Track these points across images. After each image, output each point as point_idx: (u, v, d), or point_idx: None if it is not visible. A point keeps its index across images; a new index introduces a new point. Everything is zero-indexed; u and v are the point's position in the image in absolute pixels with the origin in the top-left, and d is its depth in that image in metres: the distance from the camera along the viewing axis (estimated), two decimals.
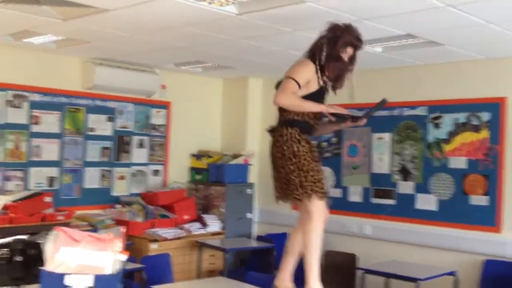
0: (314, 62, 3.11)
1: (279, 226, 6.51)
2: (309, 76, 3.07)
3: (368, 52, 4.88)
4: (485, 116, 5.08)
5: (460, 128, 5.23)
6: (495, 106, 5.01)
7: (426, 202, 5.40)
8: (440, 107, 5.34)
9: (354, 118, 3.10)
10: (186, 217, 6.11)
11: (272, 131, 3.23)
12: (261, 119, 6.95)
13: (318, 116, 3.17)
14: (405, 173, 5.58)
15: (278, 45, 4.75)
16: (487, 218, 4.99)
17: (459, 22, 3.71)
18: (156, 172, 6.49)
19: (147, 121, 6.39)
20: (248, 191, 6.58)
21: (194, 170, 6.74)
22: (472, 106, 5.16)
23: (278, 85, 3.17)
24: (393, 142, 5.69)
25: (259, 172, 6.88)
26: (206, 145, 6.94)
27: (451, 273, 4.70)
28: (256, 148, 6.89)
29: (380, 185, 5.74)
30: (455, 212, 5.19)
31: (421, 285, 4.26)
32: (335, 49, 3.08)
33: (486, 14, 3.56)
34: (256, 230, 6.73)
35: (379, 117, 5.77)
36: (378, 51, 4.88)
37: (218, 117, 7.10)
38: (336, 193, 6.09)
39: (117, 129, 6.13)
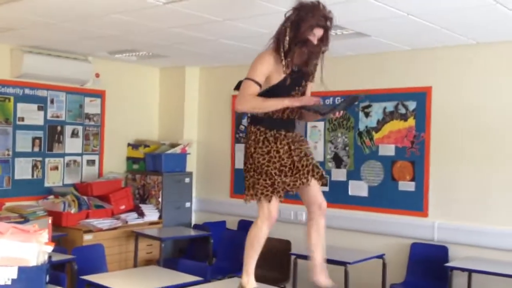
0: (278, 50, 2.83)
1: (218, 215, 6.58)
2: (268, 69, 2.85)
3: None
4: (412, 105, 5.30)
5: (389, 116, 5.43)
6: (421, 95, 5.23)
7: (358, 188, 5.59)
8: (370, 97, 5.51)
9: (321, 113, 2.90)
10: (122, 207, 6.05)
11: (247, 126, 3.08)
12: (199, 108, 6.96)
13: (286, 108, 2.90)
14: (337, 161, 5.75)
15: (210, 34, 4.76)
16: (415, 203, 5.22)
17: (383, 13, 3.84)
18: (91, 162, 6.37)
19: (80, 110, 6.26)
20: (186, 180, 6.58)
21: (131, 160, 6.68)
22: (400, 96, 5.36)
23: (238, 87, 2.97)
24: (326, 130, 5.84)
25: (198, 161, 6.90)
26: (143, 135, 6.88)
27: (380, 256, 4.90)
28: (194, 137, 6.90)
29: None
30: (384, 197, 5.41)
31: (350, 268, 4.42)
32: (299, 32, 2.78)
33: (406, 5, 3.70)
34: (194, 219, 6.76)
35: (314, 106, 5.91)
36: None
37: (155, 106, 7.04)
38: None
39: (49, 119, 5.98)
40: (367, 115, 5.58)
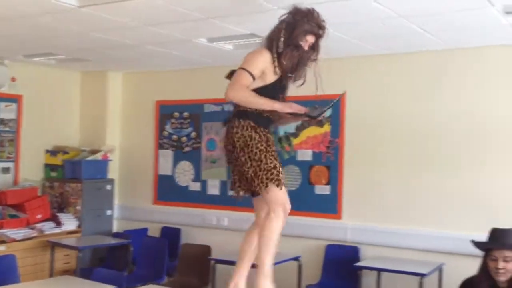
0: (272, 50, 2.79)
1: (141, 222, 6.53)
2: (264, 66, 2.77)
3: (221, 49, 5.08)
4: (328, 111, 5.48)
5: (306, 123, 5.60)
6: (336, 102, 5.43)
7: None
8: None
9: (310, 117, 2.91)
10: (38, 216, 5.88)
11: (226, 122, 2.93)
12: (122, 113, 6.89)
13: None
14: None
15: (131, 39, 4.76)
16: (330, 206, 5.43)
17: None
18: (5, 170, 6.15)
19: None
20: (108, 187, 6.48)
21: (49, 167, 6.50)
22: (317, 103, 5.54)
23: (230, 75, 2.86)
24: None
25: (120, 168, 6.82)
26: (63, 141, 6.71)
27: (296, 258, 5.05)
28: (116, 143, 6.81)
29: None
30: (302, 201, 5.57)
31: None
32: (293, 36, 2.77)
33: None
34: (115, 227, 6.66)
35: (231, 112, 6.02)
36: (230, 49, 5.08)
37: (77, 112, 6.90)
38: (196, 186, 6.24)
39: None
40: None
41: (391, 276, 4.78)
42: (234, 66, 6.66)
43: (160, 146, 6.58)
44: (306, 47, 2.83)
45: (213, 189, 6.14)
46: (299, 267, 5.07)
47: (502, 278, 2.85)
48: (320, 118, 2.92)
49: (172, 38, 4.65)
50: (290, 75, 2.89)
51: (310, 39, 2.83)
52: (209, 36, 4.61)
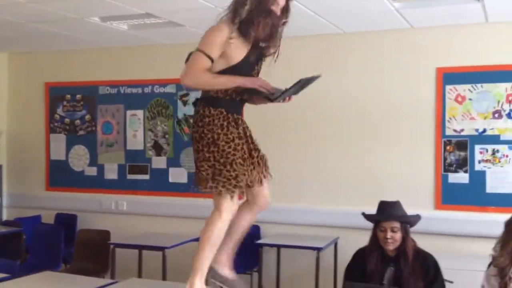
0: (236, 22, 2.45)
1: (33, 209, 6.21)
2: (223, 44, 2.44)
3: (114, 29, 4.92)
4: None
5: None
6: None
7: (178, 175, 5.70)
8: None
9: (269, 99, 2.52)
10: None
11: (196, 104, 2.65)
12: (8, 96, 6.46)
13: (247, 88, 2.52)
14: (158, 149, 5.79)
15: (14, 16, 4.46)
16: None
17: (193, 4, 3.98)
18: None
19: None
20: None
21: None
22: None
23: (188, 59, 2.58)
24: (145, 118, 5.85)
25: (8, 153, 6.42)
26: None
27: (197, 239, 5.04)
28: (3, 127, 6.39)
29: (135, 161, 5.87)
30: None
31: (167, 252, 4.53)
32: (263, 1, 2.45)
33: None
34: (5, 215, 6.28)
35: (132, 94, 5.89)
36: (124, 29, 4.94)
37: None
38: (92, 171, 6.04)
39: None
40: (185, 103, 5.70)
41: (290, 252, 4.98)
42: (130, 47, 6.56)
43: (51, 130, 6.26)
44: (278, 12, 2.50)
45: (111, 173, 5.98)
46: None
47: (390, 247, 3.08)
48: (279, 101, 2.53)
49: (61, 16, 4.42)
50: (263, 46, 2.55)
51: (281, 1, 2.51)
52: (101, 15, 4.44)
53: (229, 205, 2.52)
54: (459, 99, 4.77)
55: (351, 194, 5.01)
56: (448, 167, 4.76)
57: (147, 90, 5.82)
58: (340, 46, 5.15)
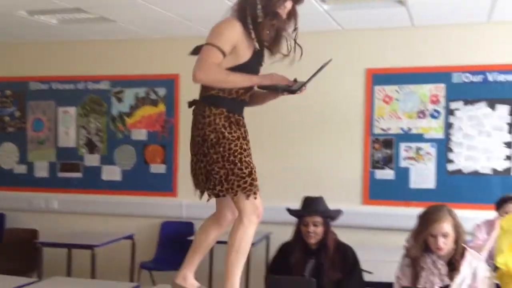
0: (244, 21, 2.39)
1: None
2: (235, 40, 2.37)
3: (44, 23, 4.81)
4: (162, 91, 5.54)
5: (140, 102, 5.58)
6: (169, 82, 5.50)
7: (112, 173, 5.63)
8: (122, 82, 5.59)
9: (291, 91, 2.46)
10: None
11: (193, 104, 2.53)
12: None
13: (250, 88, 2.48)
14: (91, 146, 5.70)
15: None
16: (165, 185, 5.49)
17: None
18: None
19: None
20: None
21: None
22: (150, 82, 5.56)
23: (196, 51, 2.44)
24: (78, 115, 5.74)
25: None
26: None
27: (129, 237, 5.05)
28: None
29: (67, 158, 5.75)
30: (137, 180, 5.56)
31: (97, 251, 4.47)
32: (271, 3, 2.38)
33: None
34: None
35: (64, 91, 5.77)
36: (54, 23, 4.84)
37: None
38: (22, 169, 5.87)
39: None
40: (119, 100, 5.64)
41: (223, 248, 4.98)
42: (62, 42, 6.42)
43: None
44: (284, 15, 2.46)
45: (41, 171, 5.83)
46: (133, 245, 5.08)
47: (312, 241, 3.18)
48: (300, 92, 2.47)
49: None
50: (268, 48, 2.50)
51: (288, 4, 2.46)
52: (29, 9, 4.33)
53: (249, 207, 2.38)
54: (387, 99, 4.96)
55: (283, 190, 5.11)
56: (376, 164, 4.94)
57: (80, 86, 5.72)
58: None
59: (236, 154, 2.38)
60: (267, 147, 5.20)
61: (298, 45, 2.52)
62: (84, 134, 5.72)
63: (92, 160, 5.68)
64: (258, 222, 2.45)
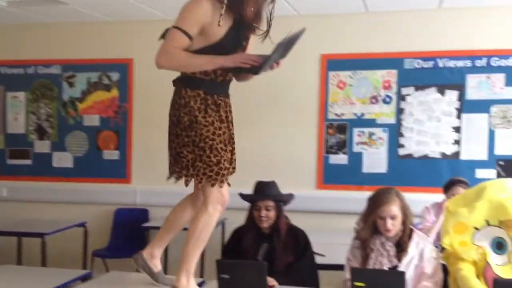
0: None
1: None
2: (203, 20, 2.27)
3: None
4: (115, 76, 5.42)
5: (93, 87, 5.46)
6: (123, 66, 5.39)
7: (63, 160, 5.50)
8: (73, 66, 5.45)
9: (255, 72, 2.38)
10: None
11: (175, 84, 2.47)
12: None
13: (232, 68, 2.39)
14: (41, 132, 5.54)
15: None
16: (119, 171, 5.41)
17: None
18: None
19: None
20: None
21: None
22: (103, 66, 5.43)
23: (165, 35, 2.38)
24: (28, 101, 5.56)
25: None
26: None
27: (81, 224, 4.96)
28: None
29: (16, 145, 5.58)
30: (90, 167, 5.45)
31: (48, 239, 4.38)
32: None
33: None
34: None
35: (13, 75, 5.58)
36: (3, 5, 4.65)
37: None
38: None
39: None
40: (71, 85, 5.49)
41: (178, 234, 4.96)
42: (10, 25, 6.20)
43: None
44: None
45: None
46: (85, 233, 4.99)
47: (265, 225, 3.20)
48: (266, 71, 2.37)
49: None
50: (251, 25, 2.40)
51: None
52: None
53: (215, 195, 2.39)
54: (341, 84, 5.01)
55: (237, 175, 5.06)
56: (329, 149, 5.00)
57: (30, 70, 5.54)
58: None
59: (207, 140, 2.34)
60: None
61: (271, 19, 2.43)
62: (34, 120, 5.55)
63: (42, 146, 5.53)
64: (222, 210, 2.46)
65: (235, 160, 2.55)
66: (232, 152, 2.50)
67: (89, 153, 5.45)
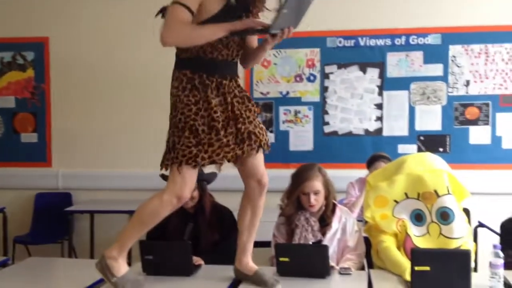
0: None
1: None
2: None
3: None
4: (30, 55, 5.15)
5: (7, 67, 5.18)
6: (39, 45, 5.13)
7: None
8: None
9: (269, 32, 2.20)
10: None
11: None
12: None
13: (223, 47, 2.28)
14: None
15: None
16: (38, 154, 5.18)
17: None
18: None
19: None
20: None
21: None
22: (17, 46, 5.15)
23: (161, 12, 2.27)
24: None
25: None
26: None
27: (0, 210, 4.74)
28: None
29: None
30: (6, 151, 5.19)
31: None
32: None
33: None
34: None
35: None
36: None
37: None
38: None
39: None
40: None
41: (105, 217, 4.84)
42: None
43: None
44: None
45: None
46: (4, 219, 4.77)
47: (189, 205, 3.09)
48: (278, 33, 2.24)
49: None
50: (255, 5, 2.32)
51: None
52: None
53: (176, 187, 2.25)
54: (265, 63, 5.00)
55: (153, 156, 5.00)
56: None
57: None
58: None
59: (187, 120, 2.23)
60: (133, 114, 5.04)
61: None
62: None
63: None
64: (176, 206, 2.32)
65: (244, 140, 2.33)
66: (229, 136, 2.29)
67: (6, 136, 5.19)
